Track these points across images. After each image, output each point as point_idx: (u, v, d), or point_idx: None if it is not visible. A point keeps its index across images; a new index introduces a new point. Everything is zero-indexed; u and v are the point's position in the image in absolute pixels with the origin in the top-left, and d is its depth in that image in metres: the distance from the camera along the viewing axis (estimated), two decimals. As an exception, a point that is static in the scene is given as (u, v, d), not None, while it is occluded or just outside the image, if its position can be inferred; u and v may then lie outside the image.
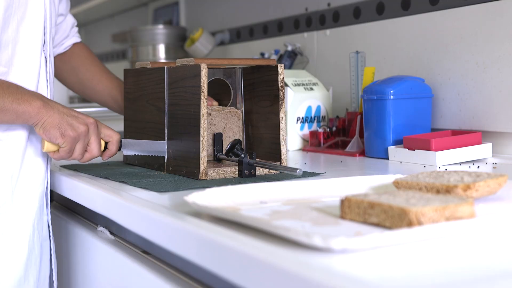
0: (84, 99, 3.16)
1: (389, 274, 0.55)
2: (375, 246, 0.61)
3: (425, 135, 1.34)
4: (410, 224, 0.65)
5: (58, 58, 1.44)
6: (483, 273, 0.55)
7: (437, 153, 1.23)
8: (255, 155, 1.11)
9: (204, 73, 1.09)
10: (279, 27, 2.02)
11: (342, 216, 0.74)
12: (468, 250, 0.62)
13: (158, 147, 1.19)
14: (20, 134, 1.17)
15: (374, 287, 0.52)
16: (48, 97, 1.19)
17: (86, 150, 1.15)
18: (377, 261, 0.59)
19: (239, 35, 2.23)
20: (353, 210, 0.72)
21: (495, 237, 0.66)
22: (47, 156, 1.21)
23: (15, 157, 1.16)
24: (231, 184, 0.86)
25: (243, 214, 0.76)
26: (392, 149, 1.33)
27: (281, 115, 1.16)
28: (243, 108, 1.26)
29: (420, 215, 0.65)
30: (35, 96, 1.10)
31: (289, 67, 1.83)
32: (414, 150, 1.27)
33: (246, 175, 1.10)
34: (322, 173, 1.13)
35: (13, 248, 1.15)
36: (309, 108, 1.63)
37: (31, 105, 1.08)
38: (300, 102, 1.62)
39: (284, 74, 1.20)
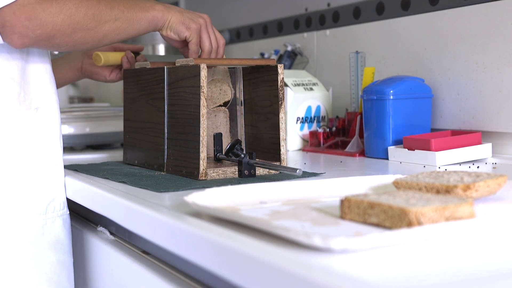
0: (84, 99, 3.17)
1: (389, 274, 0.55)
2: (375, 246, 0.61)
3: (425, 135, 1.34)
4: (410, 224, 0.65)
5: None
6: (483, 273, 0.55)
7: (437, 153, 1.23)
8: (255, 155, 1.11)
9: (203, 73, 1.09)
10: (279, 27, 2.02)
11: (342, 216, 0.74)
12: (468, 250, 0.62)
13: None
14: (54, 103, 1.19)
15: (374, 287, 0.52)
16: (50, 75, 1.21)
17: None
18: (377, 261, 0.59)
19: (239, 35, 2.23)
20: (353, 210, 0.72)
21: (495, 237, 0.66)
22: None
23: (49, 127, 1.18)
24: (231, 184, 0.86)
25: (242, 214, 0.76)
26: (392, 149, 1.33)
27: (281, 115, 1.16)
28: (243, 108, 1.26)
29: (420, 215, 0.65)
30: (152, 2, 1.21)
31: (289, 67, 1.83)
32: (414, 150, 1.27)
33: (246, 175, 1.10)
34: (322, 173, 1.13)
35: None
36: (309, 108, 1.63)
37: (156, 9, 1.19)
38: (300, 102, 1.62)
39: (284, 74, 1.20)
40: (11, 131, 1.13)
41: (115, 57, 1.47)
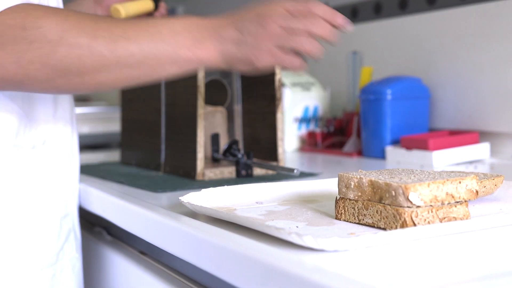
0: (83, 99, 3.16)
1: (383, 274, 0.55)
2: (367, 247, 0.61)
3: (423, 135, 1.34)
4: (404, 225, 0.65)
5: None
6: (477, 273, 0.55)
7: (434, 153, 1.23)
8: (252, 155, 1.11)
9: (201, 74, 1.09)
10: (277, 27, 2.01)
11: (337, 217, 0.74)
12: (462, 251, 0.62)
13: None
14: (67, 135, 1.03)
15: (368, 287, 0.52)
16: (58, 104, 1.01)
17: None
18: (371, 261, 0.59)
19: (237, 35, 2.23)
20: (348, 210, 0.72)
21: (490, 238, 0.66)
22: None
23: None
24: (228, 185, 0.86)
25: (237, 214, 0.76)
26: (389, 149, 1.33)
27: (278, 115, 1.16)
28: (240, 108, 1.26)
29: (414, 215, 0.65)
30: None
31: (287, 67, 1.83)
32: (411, 150, 1.27)
33: (243, 175, 1.10)
34: (319, 173, 1.13)
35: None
36: (307, 108, 1.63)
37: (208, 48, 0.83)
38: (298, 102, 1.62)
39: (282, 74, 1.20)
40: (15, 173, 0.94)
41: (137, 7, 1.25)
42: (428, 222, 0.66)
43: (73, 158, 1.05)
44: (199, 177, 1.09)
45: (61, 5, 1.02)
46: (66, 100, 1.03)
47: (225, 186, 0.85)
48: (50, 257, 0.99)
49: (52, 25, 0.79)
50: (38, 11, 0.80)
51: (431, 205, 0.66)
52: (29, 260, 0.96)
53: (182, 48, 0.81)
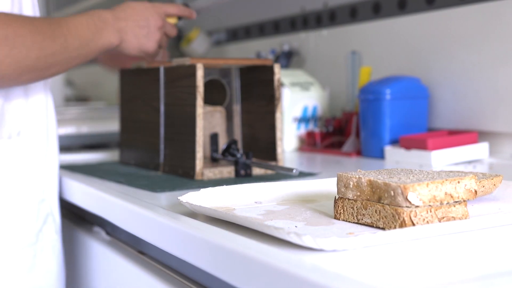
0: (81, 99, 3.16)
1: (383, 273, 0.55)
2: (366, 246, 0.61)
3: (422, 134, 1.34)
4: (403, 224, 0.65)
5: None
6: (476, 273, 0.55)
7: (433, 152, 1.23)
8: (251, 155, 1.11)
9: (200, 73, 1.09)
10: (276, 27, 2.02)
11: (336, 217, 0.74)
12: (461, 251, 0.62)
13: None
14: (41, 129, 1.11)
15: (367, 286, 0.52)
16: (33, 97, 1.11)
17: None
18: (371, 261, 0.59)
19: (236, 34, 2.23)
20: (346, 210, 0.72)
21: (489, 238, 0.66)
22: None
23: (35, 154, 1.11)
24: (227, 184, 0.86)
25: (235, 214, 0.76)
26: (388, 149, 1.33)
27: (277, 115, 1.16)
28: (239, 108, 1.26)
29: (413, 215, 0.65)
30: (102, 21, 1.11)
31: (285, 66, 1.83)
32: (410, 149, 1.27)
33: (242, 175, 1.10)
34: (318, 173, 1.13)
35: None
36: (306, 108, 1.63)
37: (108, 36, 1.12)
38: (297, 102, 1.62)
39: (281, 74, 1.20)
40: None
41: None
42: (427, 222, 0.66)
43: (50, 147, 1.13)
44: (198, 177, 1.09)
45: (37, 14, 1.10)
46: (39, 91, 1.11)
47: (224, 186, 0.85)
48: (30, 237, 1.09)
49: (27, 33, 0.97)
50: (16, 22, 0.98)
51: (430, 205, 0.66)
52: (10, 239, 1.06)
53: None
